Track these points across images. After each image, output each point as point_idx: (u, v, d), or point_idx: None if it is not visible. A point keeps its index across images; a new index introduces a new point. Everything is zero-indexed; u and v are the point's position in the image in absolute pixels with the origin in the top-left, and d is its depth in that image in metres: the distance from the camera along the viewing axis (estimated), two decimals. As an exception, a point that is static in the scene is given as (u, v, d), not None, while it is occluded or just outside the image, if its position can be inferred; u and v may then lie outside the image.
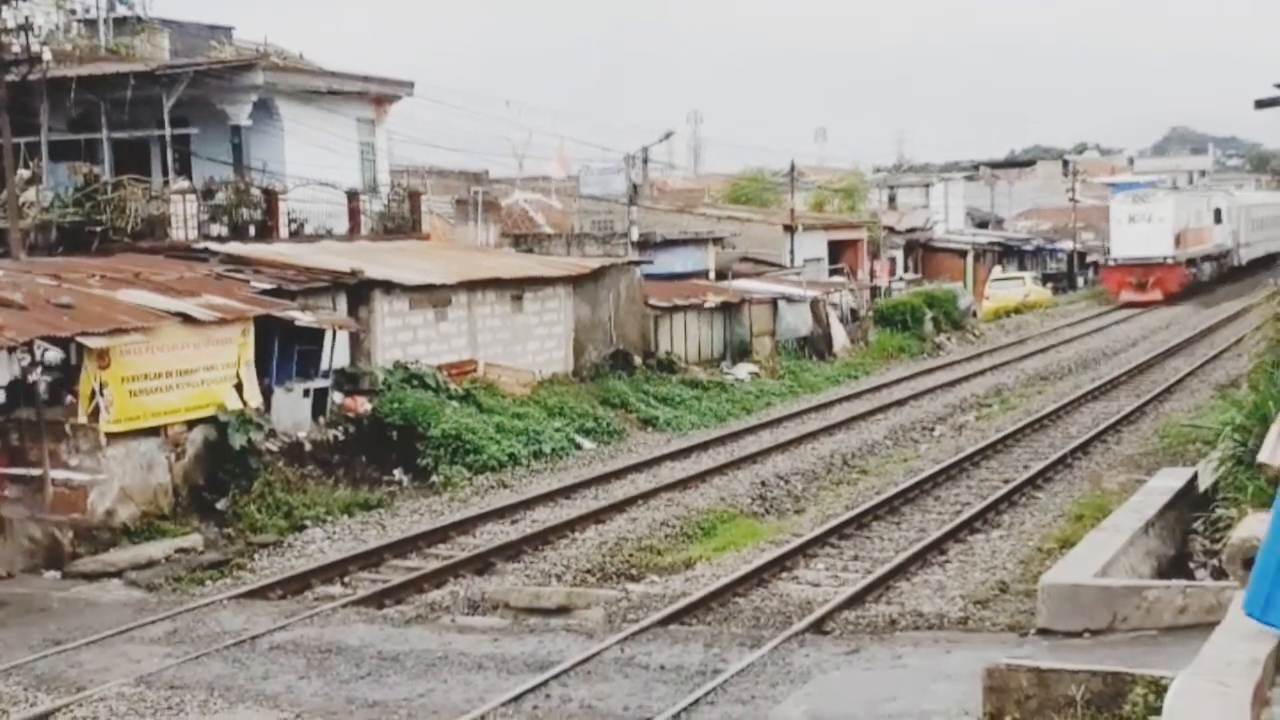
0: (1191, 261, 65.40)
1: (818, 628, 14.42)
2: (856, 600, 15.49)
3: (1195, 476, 17.38)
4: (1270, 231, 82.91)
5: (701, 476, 23.22)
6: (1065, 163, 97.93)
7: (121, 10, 34.47)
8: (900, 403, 30.59)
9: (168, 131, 28.63)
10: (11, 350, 19.02)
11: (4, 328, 18.48)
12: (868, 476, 23.41)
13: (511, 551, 18.51)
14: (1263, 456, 12.36)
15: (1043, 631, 12.85)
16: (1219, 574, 14.27)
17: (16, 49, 26.25)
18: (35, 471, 18.69)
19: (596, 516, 20.31)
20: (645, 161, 49.23)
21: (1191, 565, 15.22)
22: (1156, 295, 61.82)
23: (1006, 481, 22.10)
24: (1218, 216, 70.40)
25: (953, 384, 32.98)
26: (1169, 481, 17.17)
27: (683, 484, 22.53)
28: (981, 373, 36.75)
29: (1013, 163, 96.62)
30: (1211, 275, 69.04)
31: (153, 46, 33.47)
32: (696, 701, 12.02)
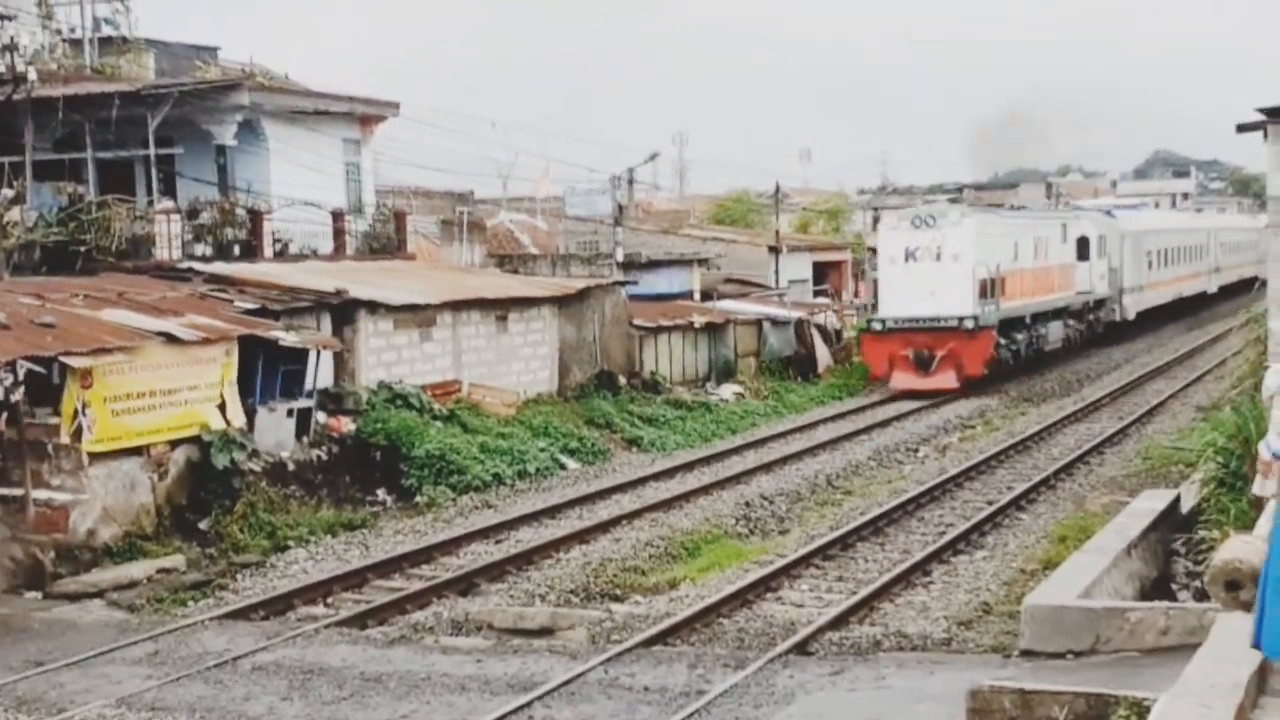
0: (1015, 323, 39.79)
1: (802, 649, 14.42)
2: (840, 621, 15.48)
3: (1178, 498, 17.44)
4: (1181, 269, 60.45)
5: (686, 497, 23.20)
6: (1049, 185, 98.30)
7: (107, 30, 34.44)
8: (884, 424, 30.64)
9: (152, 151, 28.61)
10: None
11: (-14, 347, 18.41)
12: (852, 497, 23.42)
13: (495, 572, 18.47)
14: (1256, 490, 12.44)
15: (1026, 653, 12.87)
16: (1201, 595, 14.31)
17: (1, 68, 26.27)
18: (17, 491, 18.61)
19: (581, 537, 20.28)
20: (630, 182, 49.38)
21: (1174, 587, 15.27)
22: (946, 380, 36.00)
23: (990, 503, 22.13)
24: (1082, 249, 45.74)
25: (936, 405, 33.06)
26: (1152, 503, 17.23)
27: (667, 504, 22.52)
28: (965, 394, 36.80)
29: (997, 185, 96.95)
30: (1070, 339, 45.11)
31: (138, 66, 33.44)
32: (680, 723, 12.01)
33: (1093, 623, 12.59)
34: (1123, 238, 50.81)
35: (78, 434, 19.06)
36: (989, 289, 37.21)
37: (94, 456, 19.14)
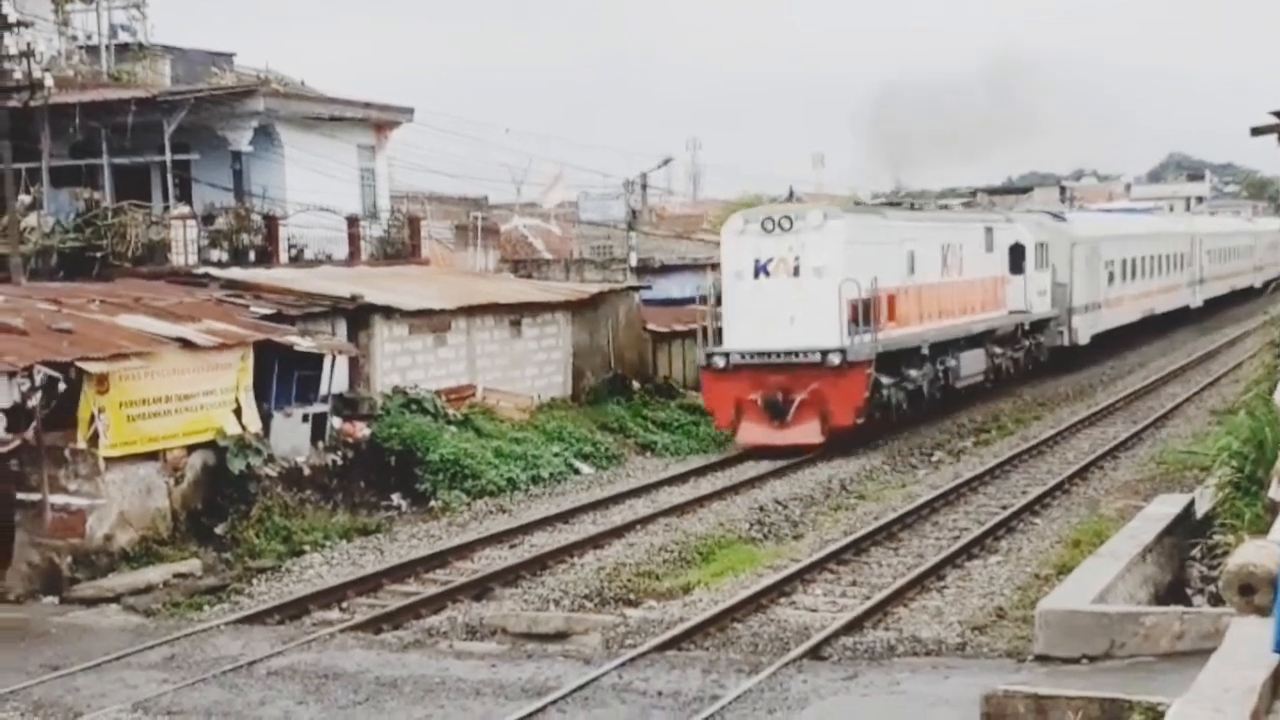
0: (907, 355, 30.21)
1: (816, 653, 14.42)
2: (855, 626, 15.48)
3: (1192, 503, 17.40)
4: (1153, 281, 51.56)
5: (700, 501, 23.22)
6: (1063, 189, 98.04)
7: (123, 37, 34.59)
8: (898, 427, 30.56)
9: (168, 157, 28.74)
10: (11, 375, 19.06)
11: (4, 353, 18.52)
12: (866, 502, 23.41)
13: (509, 576, 18.50)
14: (1272, 494, 12.41)
15: (1040, 658, 12.85)
16: (1216, 600, 14.27)
17: (18, 75, 26.34)
18: (34, 496, 18.69)
19: (595, 542, 20.30)
20: (644, 187, 49.45)
21: (1189, 591, 15.23)
22: (806, 433, 27.45)
23: (1004, 507, 22.11)
24: (1016, 260, 37.11)
25: (951, 410, 33.01)
26: (1166, 508, 17.19)
27: (681, 509, 22.54)
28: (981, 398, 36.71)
29: (1010, 189, 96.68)
30: (997, 371, 35.82)
31: (154, 73, 33.58)
32: (694, 727, 12.02)
33: (1107, 627, 12.57)
34: (1072, 245, 41.88)
35: (94, 439, 19.15)
36: (865, 312, 27.63)
37: (110, 461, 19.23)
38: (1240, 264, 68.38)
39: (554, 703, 12.82)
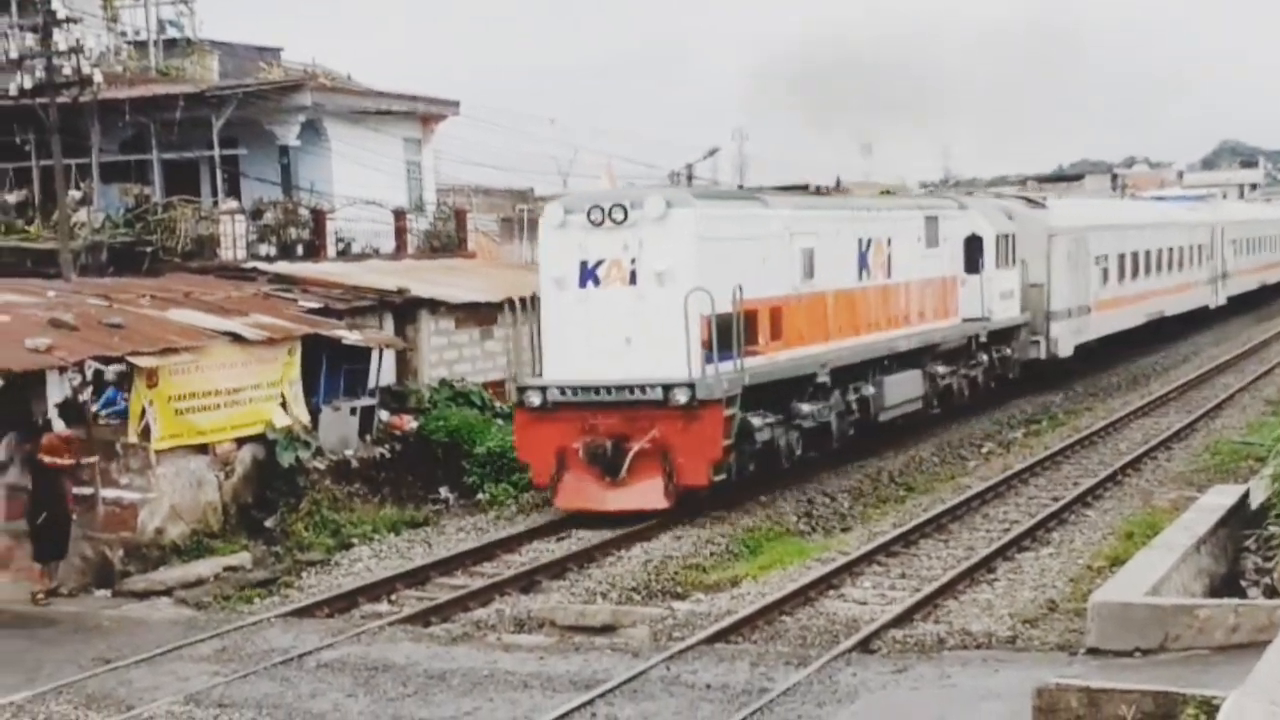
0: (796, 385, 22.93)
1: (865, 646, 14.34)
2: (904, 619, 15.38)
3: (1247, 493, 17.20)
4: (1160, 280, 43.55)
5: (746, 494, 23.14)
6: (1114, 176, 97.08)
7: (171, 32, 34.86)
8: (947, 419, 30.33)
9: (217, 152, 28.93)
10: (63, 370, 19.23)
11: (56, 348, 18.69)
12: (915, 494, 23.27)
13: (557, 569, 18.49)
14: None
15: (1093, 651, 12.74)
16: (1271, 592, 14.13)
17: (68, 71, 26.61)
18: (86, 490, 18.86)
19: (642, 534, 20.25)
20: (690, 178, 49.24)
21: (1243, 584, 15.06)
22: (646, 494, 20.55)
23: (1056, 499, 21.92)
24: (973, 258, 30.17)
25: (1001, 401, 32.73)
26: (1220, 499, 17.00)
27: (728, 502, 22.45)
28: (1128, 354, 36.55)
29: (1060, 177, 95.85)
30: (944, 394, 29.05)
31: (202, 68, 33.84)
32: (743, 720, 11.97)
33: (1161, 620, 12.44)
34: (1050, 238, 34.03)
35: (145, 433, 19.30)
36: (728, 332, 20.58)
37: (161, 455, 19.36)
38: (1272, 256, 60.64)
39: (602, 695, 12.80)
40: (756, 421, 21.55)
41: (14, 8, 30.55)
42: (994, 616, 15.55)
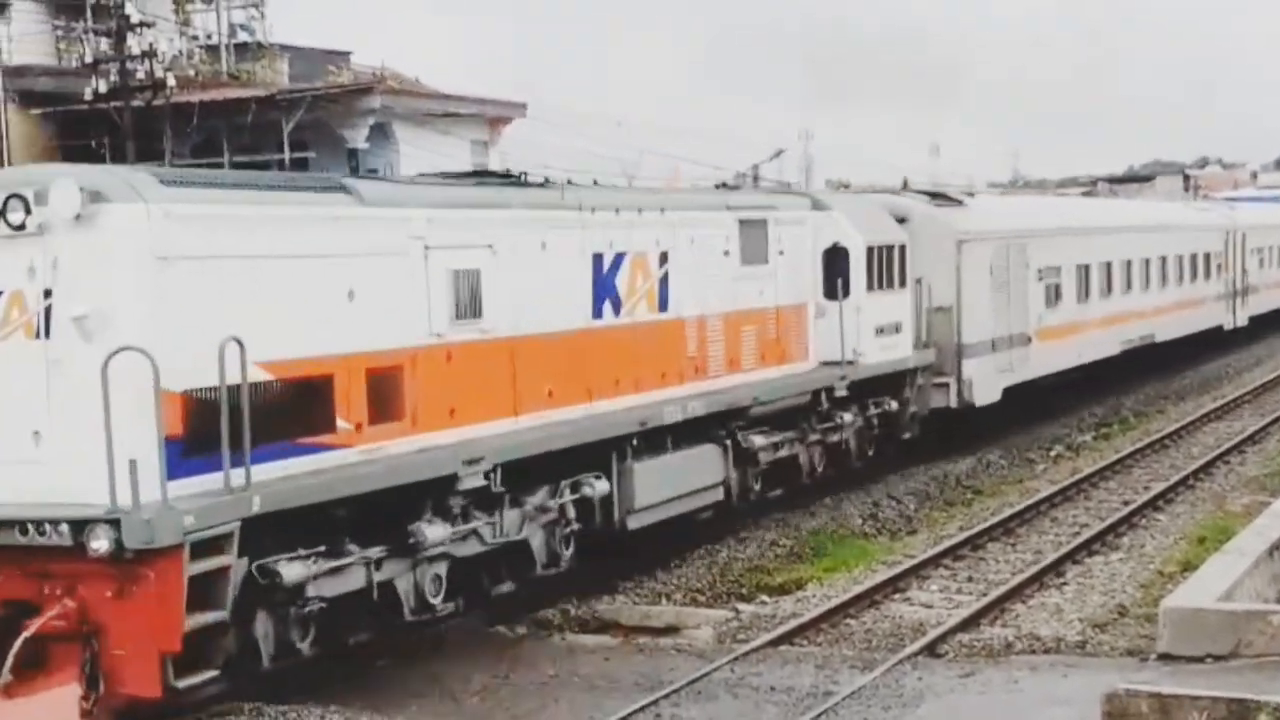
0: (398, 500, 13.10)
1: (931, 650, 14.25)
2: (971, 623, 15.27)
3: (1323, 499, 16.88)
4: (1144, 297, 35.12)
5: (811, 496, 23.05)
6: (1186, 177, 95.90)
7: (243, 36, 35.31)
8: (1015, 421, 30.07)
9: (287, 155, 29.33)
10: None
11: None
12: (982, 498, 23.10)
13: (623, 570, 18.47)
14: None
15: (1163, 656, 12.59)
16: (1348, 599, 13.87)
17: (141, 75, 27.04)
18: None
19: (706, 536, 20.20)
20: (756, 179, 49.23)
21: (1319, 590, 14.81)
22: (55, 708, 10.66)
23: (1126, 503, 21.67)
24: (835, 277, 21.21)
25: (1071, 404, 32.37)
26: (1295, 504, 16.72)
27: (792, 505, 22.38)
28: (1101, 391, 36.13)
29: (1132, 178, 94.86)
30: (771, 477, 20.08)
31: (272, 72, 34.27)
32: (808, 723, 11.93)
33: (1233, 626, 12.27)
34: (960, 247, 25.16)
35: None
36: (221, 418, 11.43)
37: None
38: None
39: (666, 696, 12.78)
40: (296, 571, 12.10)
41: (89, 13, 31.03)
42: (1063, 621, 15.40)
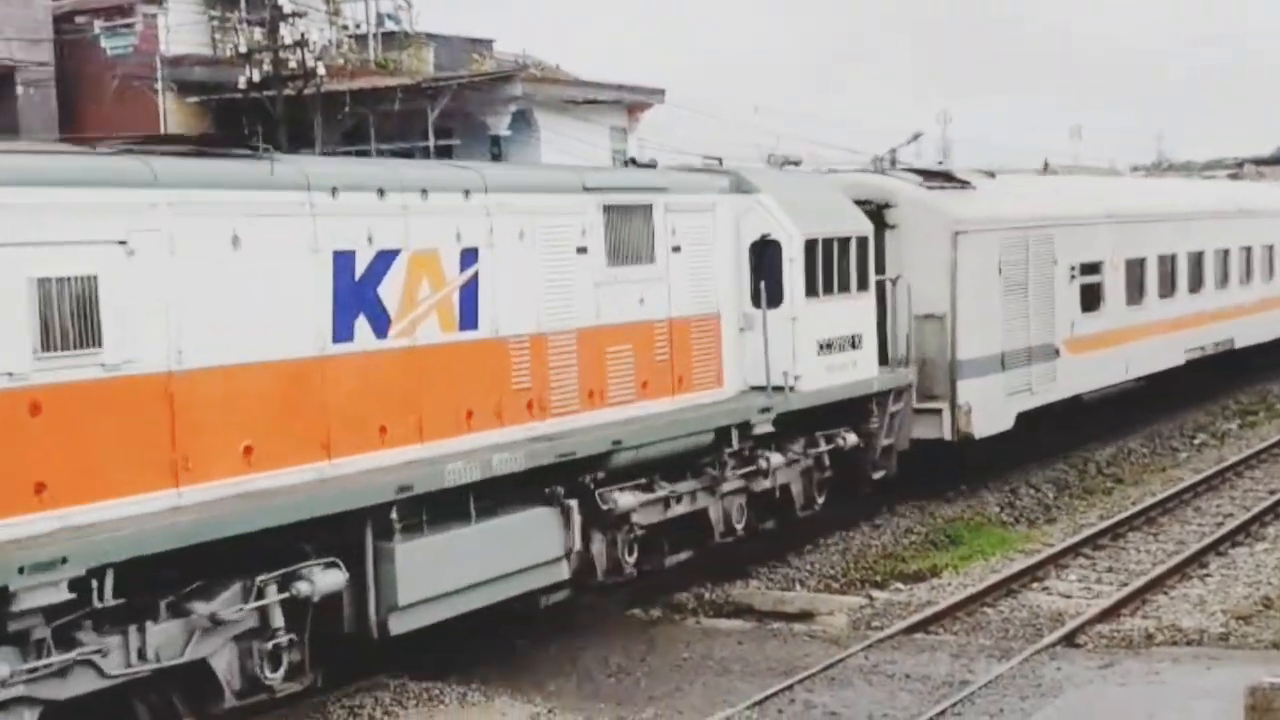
0: None
1: (1070, 640, 14.18)
2: (1110, 613, 15.15)
3: None
4: (1203, 301, 29.06)
5: (947, 484, 22.92)
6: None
7: (389, 25, 35.98)
8: (1157, 409, 29.49)
9: (432, 142, 29.85)
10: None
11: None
12: (1123, 486, 22.78)
13: (760, 555, 18.57)
14: None
15: (1310, 651, 12.39)
16: None
17: (293, 64, 27.74)
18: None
19: (840, 523, 20.21)
20: (893, 163, 48.78)
21: None
22: None
23: (1272, 492, 21.22)
24: (768, 280, 16.47)
25: (1214, 392, 31.60)
26: None
27: (927, 492, 22.28)
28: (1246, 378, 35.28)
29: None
30: (719, 520, 16.15)
31: (418, 60, 34.86)
32: (943, 712, 11.96)
33: (1382, 623, 12.00)
34: (954, 237, 20.58)
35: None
36: None
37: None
38: None
39: (800, 682, 12.88)
40: None
41: (243, 4, 31.92)
42: (1206, 613, 15.20)
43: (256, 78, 27.68)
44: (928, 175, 22.32)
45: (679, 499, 15.46)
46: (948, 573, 17.45)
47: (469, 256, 13.23)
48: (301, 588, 11.09)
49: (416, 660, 13.03)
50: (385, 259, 12.40)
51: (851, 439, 18.07)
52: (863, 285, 18.10)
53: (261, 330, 11.25)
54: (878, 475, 18.92)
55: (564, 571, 13.83)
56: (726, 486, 16.14)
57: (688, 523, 15.84)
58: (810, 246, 16.98)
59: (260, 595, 10.86)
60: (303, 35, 28.02)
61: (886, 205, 20.28)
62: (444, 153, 30.40)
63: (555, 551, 13.65)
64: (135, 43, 29.27)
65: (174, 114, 29.27)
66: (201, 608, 10.56)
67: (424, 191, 12.84)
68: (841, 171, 21.75)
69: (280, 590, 10.99)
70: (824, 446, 17.64)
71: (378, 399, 12.27)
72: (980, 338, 20.75)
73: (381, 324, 12.35)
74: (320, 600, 11.20)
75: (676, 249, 15.75)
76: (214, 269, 10.89)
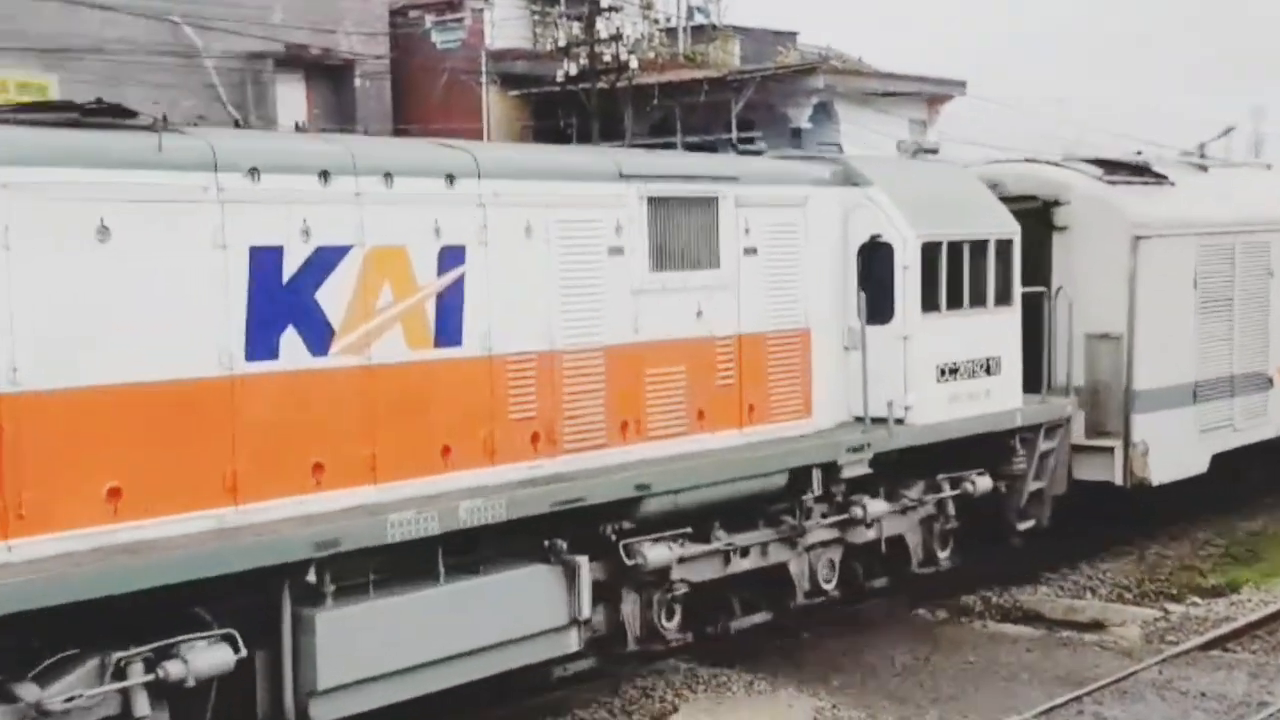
0: None
1: (1380, 669, 13.68)
2: None
3: None
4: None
5: (1250, 497, 22.19)
6: None
7: (699, 19, 36.65)
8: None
9: (734, 135, 30.32)
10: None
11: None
12: None
13: (1049, 560, 18.47)
14: None
15: None
16: None
17: (607, 58, 28.66)
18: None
19: (1139, 531, 19.88)
20: (1202, 158, 46.87)
21: None
22: None
23: None
24: (880, 290, 14.04)
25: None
26: None
27: (1227, 504, 21.63)
28: None
29: None
30: (804, 579, 13.85)
31: (724, 53, 35.42)
32: (1237, 733, 11.83)
33: None
34: (1134, 243, 17.32)
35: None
36: None
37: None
38: None
39: (1090, 693, 12.79)
40: None
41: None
42: None
43: (573, 71, 28.70)
44: (1113, 167, 18.65)
45: (743, 552, 13.00)
46: (1248, 588, 16.98)
47: (451, 256, 10.72)
48: (172, 668, 8.68)
49: (705, 649, 13.42)
50: (328, 257, 9.93)
51: (984, 484, 15.34)
52: (1003, 298, 15.28)
53: (137, 344, 8.86)
54: (1024, 526, 16.39)
55: (571, 643, 11.33)
56: (811, 538, 13.62)
57: (769, 578, 13.45)
58: (930, 250, 14.26)
59: (121, 676, 8.55)
60: (618, 29, 28.88)
61: (1056, 202, 17.43)
62: (745, 144, 30.87)
63: (557, 619, 11.14)
64: (464, 37, 30.69)
65: (496, 106, 30.67)
66: (29, 693, 8.10)
67: (387, 175, 10.30)
68: (1003, 162, 18.78)
69: (148, 670, 8.66)
70: (948, 491, 15.06)
71: (312, 430, 9.79)
72: (1164, 363, 17.67)
73: (319, 338, 9.88)
74: (198, 684, 8.79)
75: (751, 251, 13.17)
76: (69, 268, 8.59)
